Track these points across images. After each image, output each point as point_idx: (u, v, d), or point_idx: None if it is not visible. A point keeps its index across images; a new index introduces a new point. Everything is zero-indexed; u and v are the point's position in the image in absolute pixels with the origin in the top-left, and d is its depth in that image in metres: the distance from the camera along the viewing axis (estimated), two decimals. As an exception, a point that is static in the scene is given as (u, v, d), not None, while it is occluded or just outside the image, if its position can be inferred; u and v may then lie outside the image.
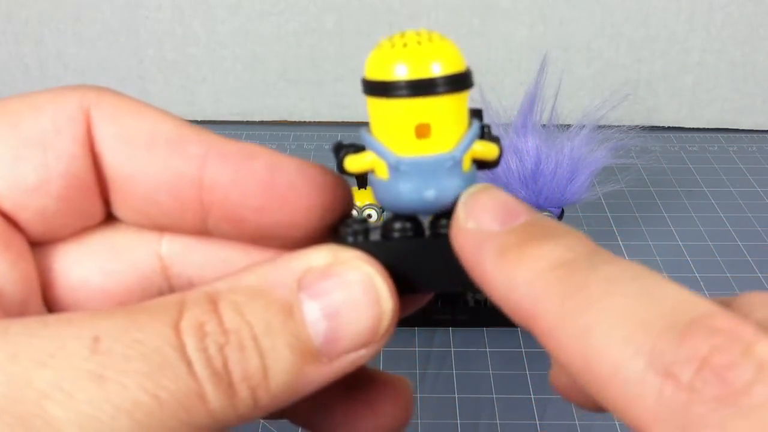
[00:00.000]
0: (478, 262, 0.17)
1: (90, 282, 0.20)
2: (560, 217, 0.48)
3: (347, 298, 0.17)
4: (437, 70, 0.17)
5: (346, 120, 0.74)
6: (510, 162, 0.46)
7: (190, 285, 0.21)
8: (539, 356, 0.47)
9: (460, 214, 0.18)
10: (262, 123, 0.75)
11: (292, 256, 0.18)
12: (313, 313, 0.17)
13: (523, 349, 0.48)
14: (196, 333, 0.16)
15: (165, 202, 0.19)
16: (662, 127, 0.74)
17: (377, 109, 0.18)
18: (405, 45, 0.17)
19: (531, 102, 0.47)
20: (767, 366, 0.13)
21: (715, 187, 0.65)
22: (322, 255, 0.18)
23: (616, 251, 0.57)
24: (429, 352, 0.47)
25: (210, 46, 0.71)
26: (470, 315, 0.49)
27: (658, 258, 0.57)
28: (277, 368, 0.16)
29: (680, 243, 0.58)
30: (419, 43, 0.17)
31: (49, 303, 0.20)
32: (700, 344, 0.13)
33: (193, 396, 0.15)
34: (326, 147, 0.71)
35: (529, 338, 0.48)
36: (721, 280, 0.54)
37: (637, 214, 0.61)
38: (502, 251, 0.16)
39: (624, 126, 0.50)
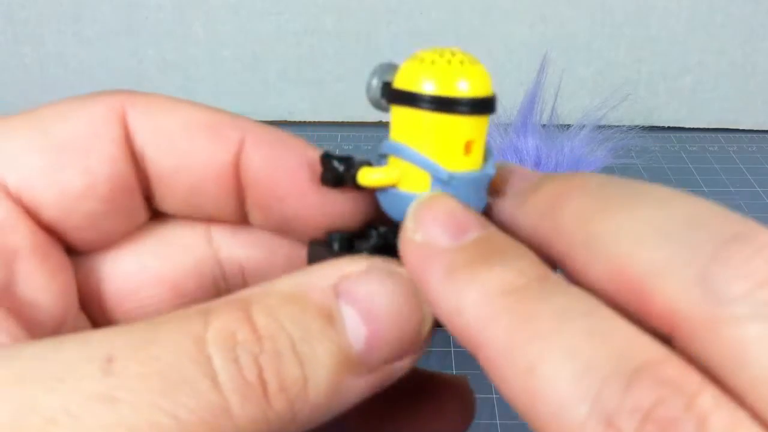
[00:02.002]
0: (426, 279, 0.16)
1: (148, 270, 0.20)
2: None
3: (388, 302, 0.16)
4: (491, 90, 0.18)
5: (346, 120, 0.74)
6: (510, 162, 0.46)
7: (240, 269, 0.21)
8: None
9: (409, 224, 0.17)
10: (262, 123, 0.75)
11: (325, 264, 0.17)
12: (353, 320, 0.16)
13: (523, 349, 0.48)
14: (225, 343, 0.15)
15: (209, 188, 0.19)
16: (662, 127, 0.74)
17: (426, 123, 0.18)
18: (462, 63, 0.18)
19: (531, 102, 0.47)
20: (709, 420, 0.13)
21: (715, 187, 0.65)
22: (357, 262, 0.17)
23: (616, 251, 0.57)
24: (429, 352, 0.47)
25: (210, 46, 0.71)
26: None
27: (658, 258, 0.56)
28: (317, 378, 0.15)
29: (680, 243, 0.58)
30: (467, 62, 0.18)
31: (109, 303, 0.20)
32: (644, 395, 0.13)
33: (218, 412, 0.14)
34: (326, 147, 0.71)
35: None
36: (721, 280, 0.54)
37: (637, 214, 0.61)
38: (451, 270, 0.16)
39: (624, 126, 0.50)
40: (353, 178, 0.19)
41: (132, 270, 0.20)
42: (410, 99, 0.18)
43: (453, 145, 0.18)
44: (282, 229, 0.20)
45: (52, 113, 0.18)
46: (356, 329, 0.16)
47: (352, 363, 0.16)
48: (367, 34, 0.69)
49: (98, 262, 0.20)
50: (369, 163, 0.19)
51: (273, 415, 0.15)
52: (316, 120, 0.75)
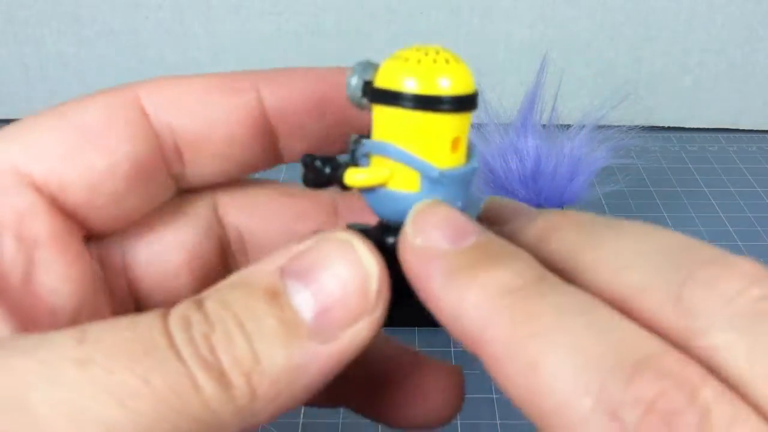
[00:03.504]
0: (427, 282, 0.16)
1: (167, 241, 0.22)
2: (560, 217, 0.48)
3: (329, 268, 0.17)
4: (473, 87, 0.18)
5: (346, 120, 0.74)
6: (510, 162, 0.46)
7: (239, 236, 0.23)
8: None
9: (409, 229, 0.17)
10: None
11: (278, 249, 0.18)
12: (299, 293, 0.16)
13: (523, 349, 0.48)
14: (181, 324, 0.15)
15: (243, 137, 0.21)
16: (662, 127, 0.74)
17: (413, 122, 0.18)
18: (447, 61, 0.18)
19: (531, 102, 0.47)
20: (712, 413, 0.13)
21: (715, 187, 0.65)
22: (305, 242, 0.17)
23: (616, 251, 0.57)
24: (429, 352, 0.47)
25: (210, 47, 0.71)
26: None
27: (658, 258, 0.56)
28: (268, 352, 0.16)
29: (680, 243, 0.58)
30: (452, 61, 0.18)
31: (138, 281, 0.21)
32: (647, 387, 0.13)
33: (185, 382, 0.15)
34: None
35: (529, 338, 0.48)
36: (721, 280, 0.54)
37: (637, 214, 0.61)
38: (451, 272, 0.16)
39: (624, 126, 0.50)
40: (340, 179, 0.19)
41: (152, 243, 0.22)
42: (396, 98, 0.18)
43: (441, 142, 0.18)
44: (325, 147, 0.22)
45: (70, 106, 0.20)
46: (304, 301, 0.16)
47: (304, 333, 0.16)
48: (367, 34, 0.69)
49: (120, 240, 0.21)
50: (354, 164, 0.19)
51: (235, 391, 0.15)
52: (316, 120, 0.75)
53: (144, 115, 0.20)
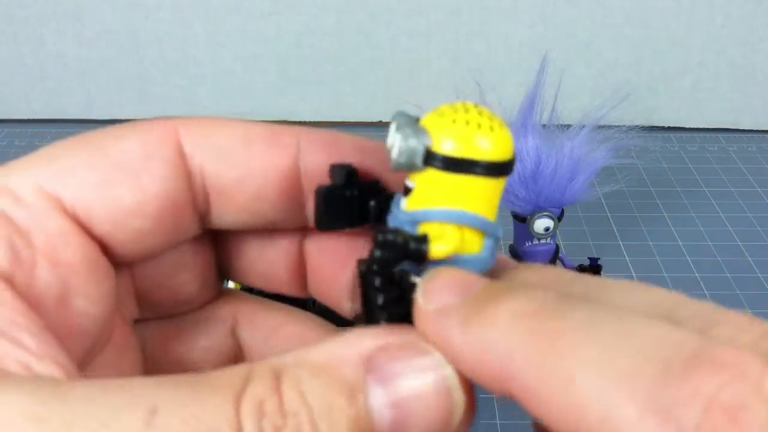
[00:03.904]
0: (446, 340, 0.16)
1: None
2: (560, 217, 0.48)
3: (416, 387, 0.16)
4: None
5: (346, 120, 0.74)
6: (510, 162, 0.46)
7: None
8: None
9: (420, 300, 0.17)
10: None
11: (363, 332, 0.17)
12: (379, 400, 0.16)
13: (523, 349, 0.48)
14: (255, 412, 0.15)
15: (272, 195, 0.20)
16: (662, 127, 0.74)
17: (490, 188, 0.18)
18: (501, 126, 0.18)
19: (531, 102, 0.47)
20: None
21: (715, 187, 0.65)
22: (394, 333, 0.17)
23: (616, 251, 0.58)
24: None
25: (210, 46, 0.71)
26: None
27: (658, 258, 0.57)
28: None
29: (680, 243, 0.58)
30: (502, 125, 0.18)
31: (137, 278, 0.22)
32: (704, 381, 0.12)
33: None
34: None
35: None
36: (721, 280, 0.54)
37: (637, 214, 0.61)
38: (466, 319, 0.16)
39: (624, 126, 0.50)
40: (425, 253, 0.18)
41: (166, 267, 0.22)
42: (475, 167, 0.17)
43: (497, 203, 0.18)
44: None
45: (108, 135, 0.19)
46: (382, 410, 0.16)
47: None
48: (367, 34, 0.69)
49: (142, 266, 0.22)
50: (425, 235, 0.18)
51: None
52: (316, 120, 0.75)
53: (180, 153, 0.20)
